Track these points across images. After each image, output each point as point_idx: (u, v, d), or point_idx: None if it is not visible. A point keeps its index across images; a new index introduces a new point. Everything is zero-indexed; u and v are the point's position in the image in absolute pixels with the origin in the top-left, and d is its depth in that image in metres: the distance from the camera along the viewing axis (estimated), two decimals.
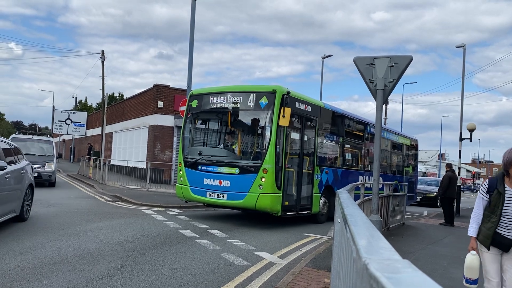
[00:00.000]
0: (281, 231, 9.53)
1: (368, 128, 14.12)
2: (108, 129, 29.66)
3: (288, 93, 9.55)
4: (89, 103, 68.12)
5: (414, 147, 19.44)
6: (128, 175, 23.64)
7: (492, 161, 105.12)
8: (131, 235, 7.63)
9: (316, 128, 11.03)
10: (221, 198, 9.63)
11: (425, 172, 34.99)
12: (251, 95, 9.71)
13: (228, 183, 9.55)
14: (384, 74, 6.40)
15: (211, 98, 10.34)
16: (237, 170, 9.50)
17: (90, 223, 8.75)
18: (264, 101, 9.51)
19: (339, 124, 12.66)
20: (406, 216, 13.21)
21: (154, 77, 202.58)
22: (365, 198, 8.44)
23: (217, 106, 10.28)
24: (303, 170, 10.40)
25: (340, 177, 12.13)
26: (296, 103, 10.11)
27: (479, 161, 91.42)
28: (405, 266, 0.97)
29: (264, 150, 9.35)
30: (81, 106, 62.14)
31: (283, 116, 8.98)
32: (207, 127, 11.23)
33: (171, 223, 9.28)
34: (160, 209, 11.83)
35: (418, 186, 22.94)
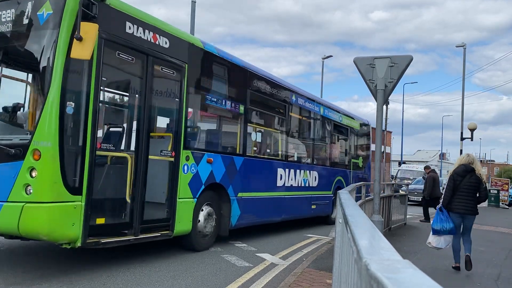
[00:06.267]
0: (283, 232, 9.52)
1: (293, 97, 9.72)
2: None
3: None
4: None
5: (365, 131, 14.48)
6: None
7: (493, 160, 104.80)
8: None
9: (185, 82, 6.39)
10: None
11: None
12: (27, 3, 5.00)
13: None
14: (384, 74, 6.40)
15: None
16: None
17: None
18: (45, 11, 4.88)
19: (238, 83, 7.97)
20: (408, 216, 13.19)
21: None
22: (366, 198, 8.43)
23: None
24: (151, 157, 5.85)
25: (241, 171, 7.69)
26: (129, 24, 5.49)
27: (481, 161, 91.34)
28: (405, 266, 0.97)
29: (37, 112, 4.85)
30: None
31: (79, 39, 4.55)
32: None
33: None
34: None
35: (419, 186, 22.90)
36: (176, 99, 6.46)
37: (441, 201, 6.81)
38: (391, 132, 41.43)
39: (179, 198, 6.21)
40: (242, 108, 7.86)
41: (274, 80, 9.11)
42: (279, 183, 8.93)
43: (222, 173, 7.19)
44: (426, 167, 15.11)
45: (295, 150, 10.05)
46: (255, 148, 8.57)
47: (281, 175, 8.99)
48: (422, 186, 22.61)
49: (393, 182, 18.12)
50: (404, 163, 42.24)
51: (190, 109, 6.74)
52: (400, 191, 14.19)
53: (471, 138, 19.97)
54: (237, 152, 7.81)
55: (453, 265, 6.68)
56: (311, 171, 10.35)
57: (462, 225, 6.68)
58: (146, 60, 5.73)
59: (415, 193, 21.62)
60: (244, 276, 5.57)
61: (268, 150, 9.32)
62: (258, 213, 8.30)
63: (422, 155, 75.37)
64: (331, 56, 28.11)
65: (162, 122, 7.23)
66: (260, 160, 8.54)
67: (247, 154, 7.98)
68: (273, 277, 5.59)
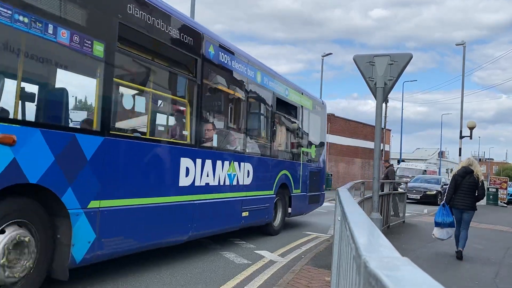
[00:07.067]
0: (281, 229, 9.53)
1: (210, 49, 6.42)
2: None
3: None
4: None
5: (319, 113, 11.39)
6: None
7: (492, 159, 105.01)
8: None
9: None
10: None
11: (425, 170, 34.95)
12: None
13: None
14: (384, 72, 6.39)
15: None
16: None
17: None
18: None
19: (92, 3, 4.44)
20: (406, 214, 13.21)
21: None
22: (365, 196, 8.44)
23: None
24: None
25: (98, 161, 4.42)
26: None
27: (479, 159, 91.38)
28: (404, 264, 0.97)
29: None
30: None
31: None
32: None
33: None
34: None
35: (417, 184, 22.99)
36: None
37: (442, 198, 7.29)
38: (390, 130, 41.44)
39: None
40: (100, 48, 4.43)
41: (172, 13, 5.61)
42: (184, 181, 5.73)
43: (46, 165, 3.90)
44: (385, 161, 15.33)
45: (215, 132, 6.76)
46: (133, 123, 5.42)
47: (187, 168, 5.79)
48: (420, 184, 22.88)
49: (392, 180, 18.15)
50: (403, 161, 42.29)
51: None
52: (399, 189, 14.18)
53: (470, 137, 20.03)
54: (90, 126, 4.48)
55: (456, 250, 7.52)
56: (242, 163, 7.30)
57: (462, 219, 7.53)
58: None
59: (414, 191, 21.70)
60: (243, 273, 5.58)
61: (161, 128, 6.05)
62: (138, 234, 4.96)
63: (421, 153, 75.41)
64: (330, 53, 28.11)
65: None
66: (144, 143, 5.14)
67: (112, 131, 4.61)
68: (272, 274, 5.60)
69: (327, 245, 7.44)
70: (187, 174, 5.83)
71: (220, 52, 6.73)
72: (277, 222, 8.93)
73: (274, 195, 8.53)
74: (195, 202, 6.00)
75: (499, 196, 24.23)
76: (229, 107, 7.51)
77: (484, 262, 7.39)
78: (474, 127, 19.83)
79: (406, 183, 16.29)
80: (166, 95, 6.14)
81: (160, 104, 6.13)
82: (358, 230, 1.56)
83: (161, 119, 6.16)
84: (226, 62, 6.92)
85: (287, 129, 9.63)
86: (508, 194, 25.90)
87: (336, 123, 31.98)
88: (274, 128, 8.75)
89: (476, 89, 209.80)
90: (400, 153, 42.21)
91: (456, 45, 22.37)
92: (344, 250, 2.21)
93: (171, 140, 5.89)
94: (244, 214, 7.39)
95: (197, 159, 6.05)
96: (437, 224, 7.54)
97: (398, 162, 40.65)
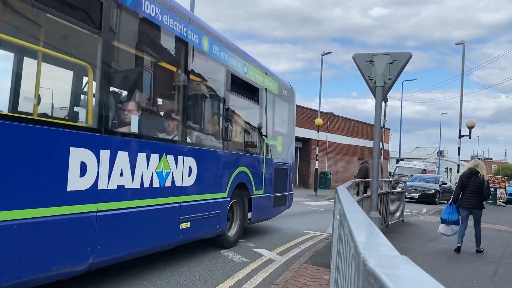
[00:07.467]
0: (280, 228, 9.54)
1: None
2: None
3: None
4: None
5: (286, 99, 9.68)
6: None
7: (491, 158, 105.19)
8: None
9: None
10: None
11: (424, 169, 34.94)
12: None
13: None
14: (383, 71, 6.39)
15: None
16: None
17: None
18: None
19: None
20: (405, 213, 13.23)
21: None
22: (364, 195, 8.46)
23: None
24: None
25: None
26: None
27: (478, 158, 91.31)
28: (403, 263, 0.97)
29: None
30: None
31: None
32: None
33: None
34: None
35: (416, 183, 23.00)
36: None
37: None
38: (389, 129, 41.45)
39: None
40: None
41: None
42: (78, 183, 3.83)
43: None
44: (359, 158, 15.56)
45: (137, 112, 4.90)
46: None
47: (83, 164, 3.89)
48: (418, 183, 22.91)
49: (391, 179, 18.16)
50: (402, 160, 42.33)
51: None
52: (397, 188, 14.18)
53: (469, 136, 20.07)
54: None
55: (456, 247, 7.93)
56: (180, 157, 5.43)
57: (471, 217, 8.00)
58: None
59: (412, 190, 21.72)
60: (242, 271, 5.59)
61: (30, 102, 3.90)
62: None
63: (420, 153, 75.41)
64: (330, 52, 28.02)
65: None
66: None
67: None
68: (271, 273, 5.61)
69: (325, 244, 7.45)
70: (83, 172, 3.88)
71: (144, 0, 4.76)
72: (232, 231, 7.23)
73: (228, 198, 6.79)
74: (98, 213, 4.07)
75: (497, 195, 24.26)
76: (161, 80, 5.78)
77: (483, 261, 7.40)
78: (473, 126, 19.86)
79: (405, 182, 16.30)
80: (46, 51, 3.89)
81: (34, 65, 3.80)
82: (357, 229, 1.56)
83: (34, 86, 3.76)
84: (154, 15, 4.96)
85: (246, 116, 7.84)
86: (507, 193, 25.93)
87: (335, 122, 31.98)
88: (228, 113, 6.97)
89: (475, 88, 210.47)
90: (399, 152, 42.25)
91: (456, 44, 22.39)
92: (343, 248, 2.21)
93: (52, 120, 3.80)
94: (184, 225, 5.54)
95: (102, 151, 4.11)
96: (443, 221, 8.05)
97: (397, 161, 40.69)
